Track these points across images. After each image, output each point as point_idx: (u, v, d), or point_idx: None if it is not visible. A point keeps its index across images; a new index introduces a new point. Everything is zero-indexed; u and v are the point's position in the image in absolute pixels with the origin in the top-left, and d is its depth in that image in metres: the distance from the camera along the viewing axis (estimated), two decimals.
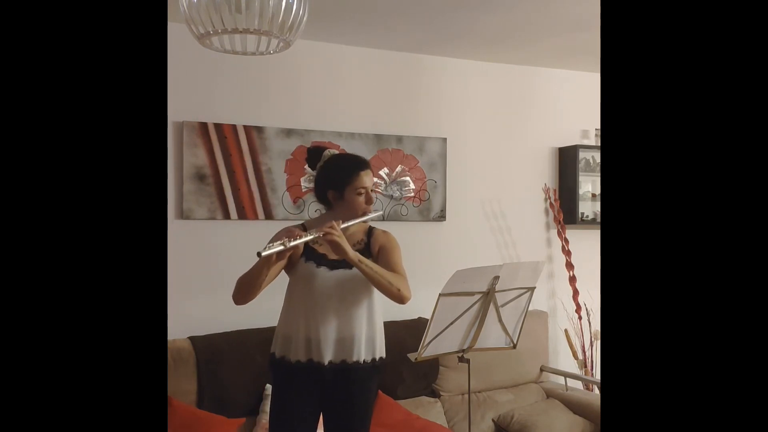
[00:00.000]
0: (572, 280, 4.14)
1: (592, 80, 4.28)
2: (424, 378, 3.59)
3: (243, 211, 3.47)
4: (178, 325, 3.06)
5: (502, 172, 4.19)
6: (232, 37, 2.01)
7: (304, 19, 2.01)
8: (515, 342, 2.74)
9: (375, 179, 3.75)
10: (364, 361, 2.25)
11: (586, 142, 4.36)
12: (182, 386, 3.05)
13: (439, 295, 2.42)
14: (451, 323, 2.49)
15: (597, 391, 3.95)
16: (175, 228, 3.32)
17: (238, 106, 3.49)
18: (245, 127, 3.48)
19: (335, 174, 2.30)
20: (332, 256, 2.23)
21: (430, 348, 2.50)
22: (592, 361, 4.20)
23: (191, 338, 3.19)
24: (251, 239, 2.74)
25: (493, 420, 3.57)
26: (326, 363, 2.21)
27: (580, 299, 4.14)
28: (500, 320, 2.63)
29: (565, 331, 4.14)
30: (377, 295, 2.28)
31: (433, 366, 3.59)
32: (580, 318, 4.16)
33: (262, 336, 3.01)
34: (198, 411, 3.03)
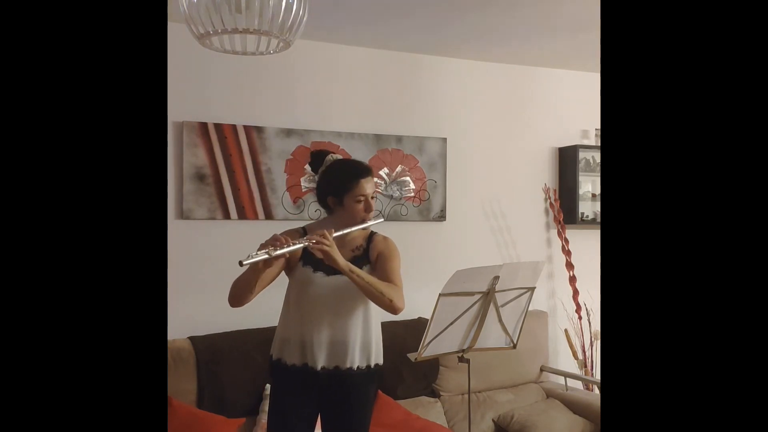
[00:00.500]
0: (572, 280, 4.14)
1: (592, 80, 4.28)
2: (424, 378, 3.59)
3: (243, 211, 3.47)
4: (178, 325, 3.06)
5: (502, 172, 4.18)
6: (232, 37, 2.01)
7: (304, 19, 2.01)
8: (515, 342, 2.73)
9: (375, 179, 3.76)
10: (358, 367, 2.24)
11: (586, 142, 4.36)
12: (182, 386, 3.05)
13: (439, 295, 2.42)
14: (451, 323, 2.49)
15: (597, 391, 3.95)
16: (175, 228, 3.31)
17: (238, 106, 3.49)
18: (245, 127, 3.48)
19: (335, 181, 2.29)
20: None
21: (430, 348, 2.50)
22: (592, 361, 4.20)
23: (191, 338, 3.19)
24: (251, 239, 2.74)
25: (493, 420, 3.57)
26: (319, 368, 2.21)
27: (580, 299, 4.14)
28: (500, 320, 2.63)
29: (565, 331, 4.14)
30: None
31: (433, 366, 3.59)
32: (580, 318, 4.16)
33: (262, 336, 3.02)
34: (198, 411, 3.03)
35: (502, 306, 2.60)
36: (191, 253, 3.37)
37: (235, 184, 3.45)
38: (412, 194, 3.89)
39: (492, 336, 2.66)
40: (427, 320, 2.47)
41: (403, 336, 3.43)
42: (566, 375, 3.89)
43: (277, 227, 2.34)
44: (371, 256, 2.30)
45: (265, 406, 3.06)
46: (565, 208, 4.25)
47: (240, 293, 2.17)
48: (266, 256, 2.00)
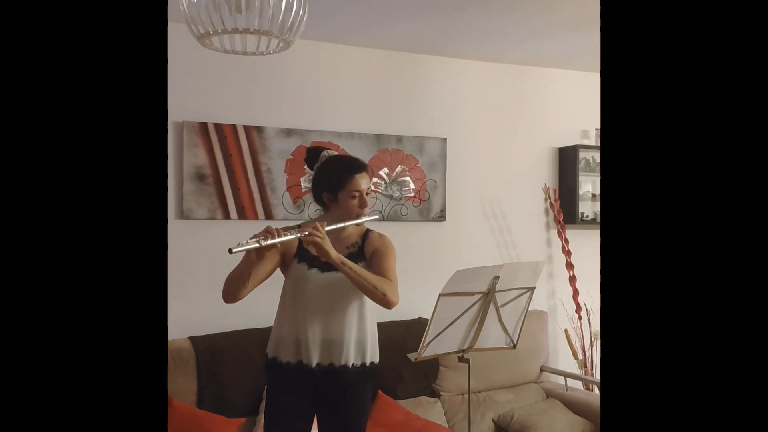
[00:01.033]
0: (572, 280, 4.14)
1: (592, 80, 4.28)
2: (424, 378, 3.59)
3: (243, 211, 3.47)
4: (178, 325, 3.06)
5: (502, 172, 4.19)
6: (232, 37, 2.01)
7: (304, 19, 2.01)
8: (515, 342, 2.74)
9: (375, 179, 3.76)
10: (353, 365, 2.23)
11: (586, 142, 4.36)
12: (182, 386, 3.05)
13: (439, 295, 2.42)
14: (451, 323, 2.49)
15: (597, 391, 3.95)
16: (175, 228, 3.32)
17: (238, 106, 3.49)
18: (245, 127, 3.48)
19: (330, 176, 2.28)
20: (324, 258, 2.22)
21: (430, 348, 2.50)
22: (592, 361, 4.20)
23: (191, 338, 3.19)
24: None
25: (493, 420, 3.57)
26: (314, 365, 2.20)
27: (580, 299, 4.14)
28: (500, 320, 2.63)
29: (565, 331, 4.14)
30: (369, 299, 2.26)
31: (433, 366, 3.59)
32: (580, 318, 4.16)
33: (262, 336, 3.00)
34: (198, 411, 3.03)
35: (502, 306, 2.60)
36: (191, 253, 3.37)
37: (235, 184, 3.45)
38: (412, 194, 3.89)
39: (492, 336, 2.66)
40: (427, 320, 2.47)
41: (403, 336, 3.43)
42: (566, 375, 3.89)
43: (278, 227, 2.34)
44: (366, 252, 2.29)
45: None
46: (565, 208, 4.25)
47: (233, 287, 2.15)
48: (257, 245, 1.97)
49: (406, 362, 2.68)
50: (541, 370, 3.98)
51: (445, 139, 3.98)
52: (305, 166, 3.50)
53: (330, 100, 3.71)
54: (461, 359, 2.63)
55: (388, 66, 3.86)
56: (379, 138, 3.80)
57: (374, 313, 2.31)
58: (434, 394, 3.64)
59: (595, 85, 3.95)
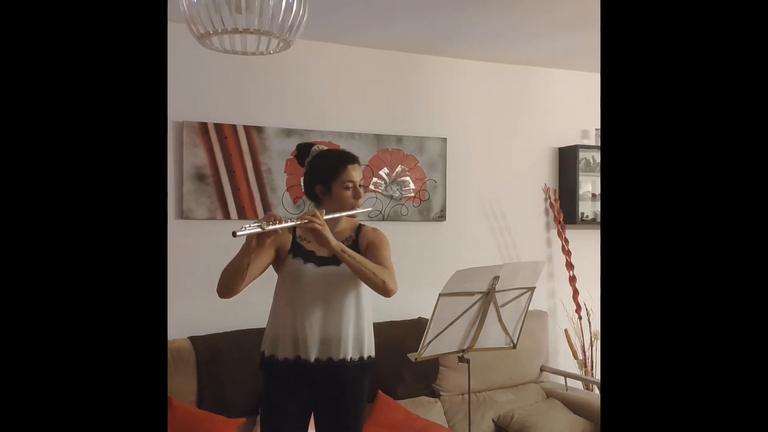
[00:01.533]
0: (572, 280, 4.14)
1: (592, 80, 4.28)
2: (424, 378, 3.59)
3: (243, 211, 3.47)
4: (178, 325, 3.06)
5: (502, 172, 4.19)
6: (232, 37, 2.01)
7: (304, 19, 2.01)
8: (515, 342, 2.73)
9: (375, 179, 3.76)
10: (351, 359, 2.22)
11: (586, 142, 4.36)
12: (182, 386, 3.05)
13: (439, 295, 2.42)
14: (451, 323, 2.49)
15: (597, 391, 3.95)
16: (175, 228, 3.32)
17: (238, 106, 3.49)
18: (245, 127, 3.48)
19: (322, 169, 2.27)
20: (320, 252, 2.21)
21: (430, 348, 2.50)
22: (592, 361, 4.20)
23: (191, 338, 3.19)
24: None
25: (493, 420, 3.57)
26: (312, 360, 2.19)
27: (580, 299, 4.14)
28: (500, 320, 2.63)
29: (565, 331, 4.14)
30: (365, 293, 2.26)
31: (433, 366, 3.59)
32: (580, 318, 4.16)
33: (262, 336, 3.01)
34: (198, 411, 3.03)
35: (502, 306, 2.60)
36: (191, 253, 3.37)
37: (235, 184, 3.45)
38: (412, 194, 3.89)
39: (492, 336, 2.66)
40: (427, 320, 2.47)
41: (403, 336, 3.43)
42: (566, 375, 3.89)
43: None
44: (361, 246, 2.29)
45: None
46: (565, 208, 4.25)
47: (230, 280, 2.12)
48: (259, 229, 1.97)
49: (406, 362, 2.68)
50: (541, 370, 3.98)
51: (445, 139, 3.98)
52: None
53: (330, 100, 3.71)
54: (461, 359, 2.62)
55: (388, 66, 3.86)
56: (379, 138, 3.80)
57: (371, 307, 2.31)
58: (434, 394, 3.64)
59: (595, 85, 3.94)
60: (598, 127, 3.69)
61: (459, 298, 2.46)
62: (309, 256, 2.22)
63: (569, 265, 4.14)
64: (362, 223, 2.38)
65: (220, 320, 3.26)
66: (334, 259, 2.19)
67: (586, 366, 4.17)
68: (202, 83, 3.41)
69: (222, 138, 3.42)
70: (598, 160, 4.24)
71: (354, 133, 3.73)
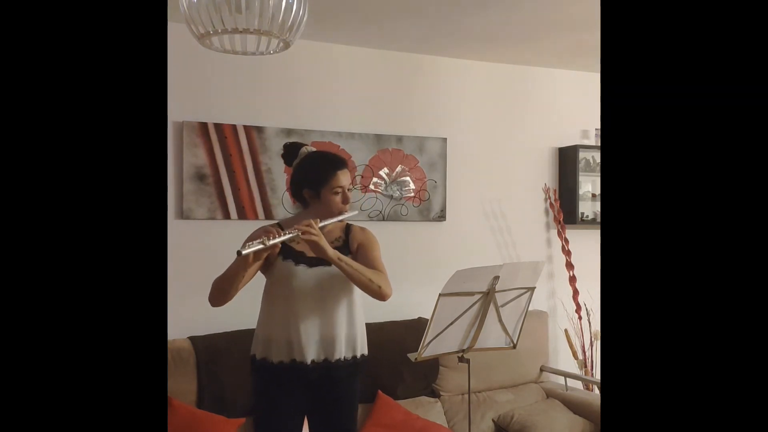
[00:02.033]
0: (572, 280, 4.14)
1: (592, 80, 4.28)
2: (424, 378, 3.59)
3: (243, 211, 3.47)
4: (178, 325, 3.06)
5: (502, 172, 4.19)
6: (232, 37, 2.01)
7: (304, 19, 2.01)
8: (515, 342, 2.73)
9: (375, 179, 3.76)
10: (345, 359, 2.23)
11: (586, 142, 4.36)
12: (182, 386, 3.05)
13: (439, 295, 2.42)
14: (451, 323, 2.49)
15: (597, 391, 3.95)
16: (175, 228, 3.31)
17: (238, 106, 3.49)
18: (245, 127, 3.48)
19: (311, 173, 2.27)
20: (311, 253, 2.20)
21: (430, 348, 2.50)
22: (592, 361, 4.20)
23: (191, 338, 3.19)
24: None
25: (493, 420, 3.57)
26: (309, 362, 2.19)
27: (580, 299, 4.14)
28: (500, 320, 2.63)
29: (565, 331, 4.14)
30: (357, 291, 2.26)
31: (433, 366, 3.59)
32: (580, 318, 4.16)
33: None
34: (198, 411, 3.03)
35: (502, 306, 2.60)
36: (191, 253, 3.37)
37: (235, 184, 3.45)
38: (412, 194, 3.89)
39: (492, 336, 2.66)
40: (427, 320, 2.47)
41: (403, 336, 3.43)
42: (566, 375, 3.89)
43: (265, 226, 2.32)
44: (351, 247, 2.29)
45: None
46: (565, 208, 4.25)
47: (225, 289, 2.14)
48: (261, 246, 1.99)
49: (406, 362, 2.68)
50: (541, 370, 3.98)
51: (445, 139, 3.98)
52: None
53: (330, 100, 3.71)
54: (461, 359, 2.62)
55: (388, 66, 3.86)
56: (379, 138, 3.80)
57: (362, 305, 2.31)
58: (434, 394, 3.63)
59: (595, 85, 3.94)
60: (598, 127, 3.69)
61: (459, 298, 2.46)
62: (300, 258, 2.22)
63: (569, 265, 4.14)
64: (349, 223, 2.38)
65: (220, 320, 3.25)
66: (325, 260, 2.18)
67: (586, 366, 4.17)
68: (202, 83, 3.41)
69: (222, 138, 3.42)
70: (598, 160, 4.24)
71: (354, 133, 3.73)
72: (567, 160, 4.29)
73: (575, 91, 4.31)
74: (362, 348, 2.30)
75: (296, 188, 2.31)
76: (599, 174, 3.96)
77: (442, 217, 3.98)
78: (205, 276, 3.37)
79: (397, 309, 3.70)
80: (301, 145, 2.36)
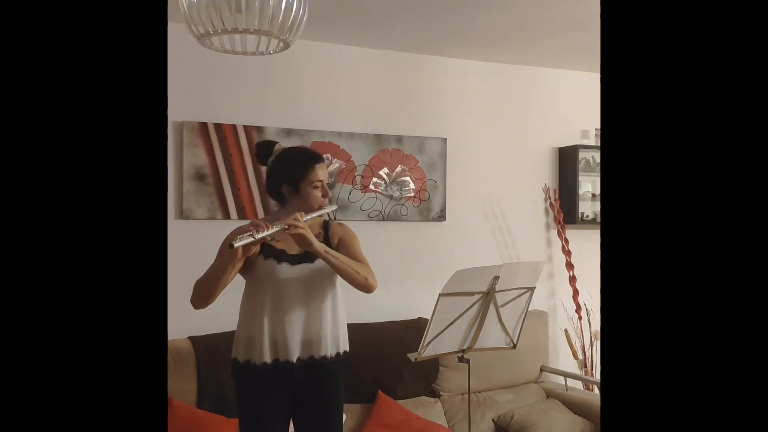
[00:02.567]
0: (572, 280, 4.14)
1: (592, 80, 4.28)
2: (424, 378, 3.59)
3: (243, 211, 3.47)
4: (178, 325, 3.05)
5: (502, 172, 4.19)
6: (232, 37, 2.01)
7: (304, 19, 2.01)
8: (515, 342, 2.74)
9: (375, 179, 3.76)
10: (329, 356, 2.22)
11: (586, 142, 4.36)
12: (182, 386, 3.05)
13: (439, 295, 2.42)
14: (451, 323, 2.49)
15: (597, 391, 3.95)
16: (175, 228, 3.31)
17: (238, 106, 3.49)
18: (245, 127, 3.48)
19: (289, 168, 2.25)
20: (291, 251, 2.19)
21: (430, 348, 2.50)
22: (592, 361, 4.20)
23: (191, 338, 3.19)
24: None
25: (493, 420, 3.57)
26: (295, 360, 2.17)
27: (580, 299, 4.14)
28: (500, 320, 2.63)
29: (565, 331, 4.14)
30: (340, 287, 2.26)
31: (433, 366, 3.59)
32: (580, 318, 4.16)
33: None
34: (198, 411, 3.03)
35: (502, 306, 2.60)
36: (191, 253, 3.37)
37: (235, 184, 3.45)
38: (412, 194, 3.89)
39: (492, 336, 2.66)
40: (427, 320, 2.47)
41: (403, 336, 3.43)
42: (566, 375, 3.89)
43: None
44: (332, 242, 2.27)
45: None
46: (565, 208, 4.25)
47: (213, 290, 2.11)
48: (251, 238, 1.99)
49: (406, 362, 2.68)
50: (541, 370, 3.98)
51: (445, 139, 3.98)
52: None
53: (330, 100, 3.71)
54: (461, 359, 2.63)
55: (388, 66, 3.86)
56: (379, 138, 3.80)
57: (344, 302, 2.30)
58: (434, 394, 3.64)
59: (595, 85, 3.94)
60: (598, 127, 3.69)
61: (459, 298, 2.46)
62: (281, 256, 2.19)
63: (569, 265, 4.14)
64: (326, 219, 2.37)
65: (220, 320, 3.25)
66: (307, 257, 2.18)
67: (586, 366, 4.17)
68: (202, 83, 3.41)
69: (222, 138, 3.42)
70: (598, 160, 4.24)
71: (354, 133, 3.73)
72: (567, 160, 4.29)
73: (575, 91, 4.31)
74: (344, 344, 2.29)
75: (273, 186, 2.28)
76: (599, 174, 3.96)
77: (442, 217, 3.98)
78: None
79: (397, 309, 3.70)
80: (275, 142, 2.33)
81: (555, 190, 4.29)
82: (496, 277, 2.49)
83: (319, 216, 2.26)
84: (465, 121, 4.07)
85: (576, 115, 4.33)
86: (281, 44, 2.06)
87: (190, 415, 2.97)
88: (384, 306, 3.71)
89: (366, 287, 2.21)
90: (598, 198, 4.22)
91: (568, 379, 3.88)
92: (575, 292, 4.13)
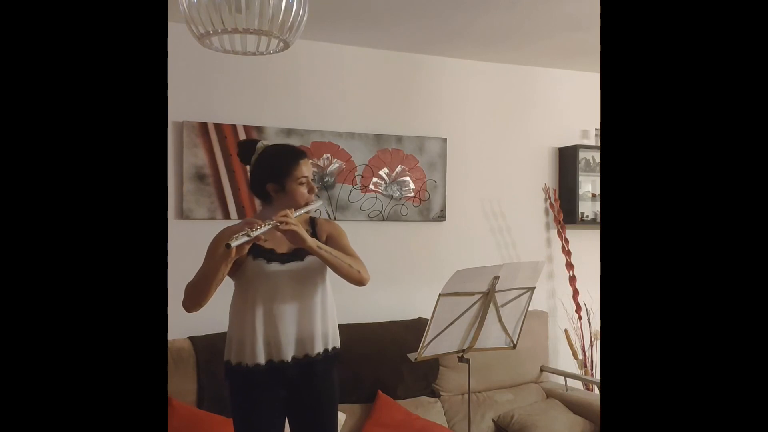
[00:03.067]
0: (572, 280, 4.14)
1: (592, 80, 4.28)
2: (424, 378, 3.59)
3: (243, 211, 3.47)
4: (178, 325, 3.04)
5: (502, 172, 4.19)
6: (232, 37, 2.01)
7: (304, 19, 2.01)
8: (515, 342, 2.74)
9: (375, 179, 3.77)
10: (322, 352, 2.22)
11: (586, 142, 4.36)
12: (182, 386, 3.05)
13: (439, 295, 2.42)
14: (451, 323, 2.49)
15: (597, 391, 3.95)
16: (175, 228, 3.31)
17: (238, 106, 3.49)
18: (245, 127, 3.48)
19: (274, 165, 2.22)
20: (280, 250, 2.18)
21: (430, 348, 2.50)
22: (592, 361, 4.20)
23: (191, 338, 3.19)
24: None
25: (493, 420, 3.57)
26: (290, 359, 2.17)
27: (580, 299, 4.14)
28: (500, 320, 2.63)
29: (565, 331, 4.14)
30: (329, 284, 2.26)
31: (433, 366, 3.59)
32: (580, 318, 4.16)
33: None
34: (198, 411, 3.03)
35: (502, 306, 2.60)
36: (191, 253, 3.36)
37: (235, 184, 3.45)
38: (412, 194, 3.89)
39: (492, 336, 2.66)
40: (427, 320, 2.47)
41: (403, 336, 3.43)
42: (566, 375, 3.89)
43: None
44: (320, 238, 2.26)
45: None
46: (565, 208, 4.25)
47: (206, 292, 2.08)
48: (247, 237, 1.97)
49: (406, 362, 2.69)
50: (541, 370, 3.98)
51: (445, 139, 3.98)
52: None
53: (330, 100, 3.71)
54: (461, 359, 2.63)
55: (388, 66, 3.86)
56: (379, 138, 3.80)
57: (333, 298, 2.30)
58: (434, 394, 3.64)
59: (595, 85, 3.95)
60: (598, 127, 3.69)
61: (459, 298, 2.46)
62: (271, 255, 2.18)
63: (569, 265, 4.14)
64: (312, 216, 2.36)
65: (220, 320, 3.24)
66: (296, 255, 2.18)
67: (586, 366, 4.18)
68: (202, 83, 3.41)
69: (222, 138, 3.42)
70: (598, 160, 4.25)
71: (354, 133, 3.73)
72: (567, 160, 4.30)
73: (575, 91, 4.31)
74: (334, 341, 2.28)
75: (258, 184, 2.26)
76: (599, 174, 3.97)
77: (442, 217, 3.98)
78: None
79: (397, 309, 3.70)
80: (257, 141, 2.32)
81: (555, 190, 4.29)
82: (496, 277, 2.49)
83: (306, 212, 2.25)
84: (465, 121, 4.07)
85: (576, 115, 4.33)
86: (281, 44, 2.06)
87: (190, 415, 2.97)
88: (384, 306, 3.72)
89: (359, 280, 2.21)
90: (598, 198, 4.22)
91: (568, 379, 3.88)
92: (575, 292, 4.13)
